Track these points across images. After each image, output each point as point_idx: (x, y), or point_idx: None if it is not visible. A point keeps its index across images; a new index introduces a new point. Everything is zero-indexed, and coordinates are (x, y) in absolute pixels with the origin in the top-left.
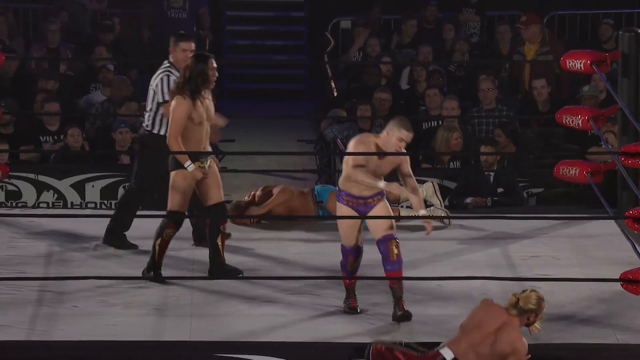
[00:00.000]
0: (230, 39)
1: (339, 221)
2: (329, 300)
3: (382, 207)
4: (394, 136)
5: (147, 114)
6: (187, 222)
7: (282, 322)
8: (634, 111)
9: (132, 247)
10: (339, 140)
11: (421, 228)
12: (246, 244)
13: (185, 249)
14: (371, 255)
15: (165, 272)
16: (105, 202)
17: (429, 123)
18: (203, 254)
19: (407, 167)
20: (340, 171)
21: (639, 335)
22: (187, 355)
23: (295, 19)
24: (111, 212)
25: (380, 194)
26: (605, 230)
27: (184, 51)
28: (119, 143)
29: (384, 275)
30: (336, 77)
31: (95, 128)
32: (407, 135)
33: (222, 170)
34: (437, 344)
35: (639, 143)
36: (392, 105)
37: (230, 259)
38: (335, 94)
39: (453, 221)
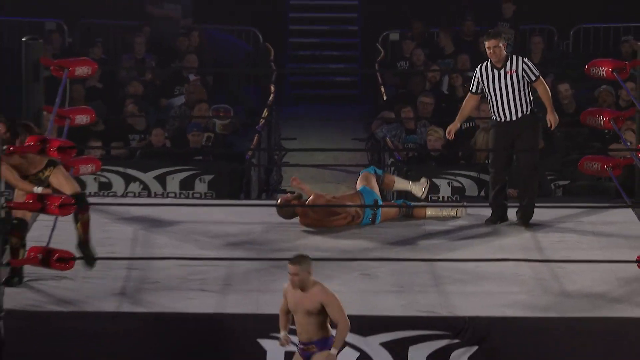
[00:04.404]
0: (293, 50)
1: None
2: (380, 275)
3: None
4: None
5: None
6: None
7: (339, 297)
8: None
9: None
10: (387, 138)
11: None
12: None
13: (254, 233)
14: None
15: (236, 253)
16: (184, 192)
17: (467, 123)
18: (268, 238)
19: None
20: (389, 166)
21: None
22: (253, 327)
23: (349, 33)
24: (188, 201)
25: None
26: (623, 218)
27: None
28: (193, 143)
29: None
30: (385, 84)
31: (174, 128)
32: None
33: (285, 164)
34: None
35: None
36: (435, 108)
37: (305, 242)
38: (385, 98)
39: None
